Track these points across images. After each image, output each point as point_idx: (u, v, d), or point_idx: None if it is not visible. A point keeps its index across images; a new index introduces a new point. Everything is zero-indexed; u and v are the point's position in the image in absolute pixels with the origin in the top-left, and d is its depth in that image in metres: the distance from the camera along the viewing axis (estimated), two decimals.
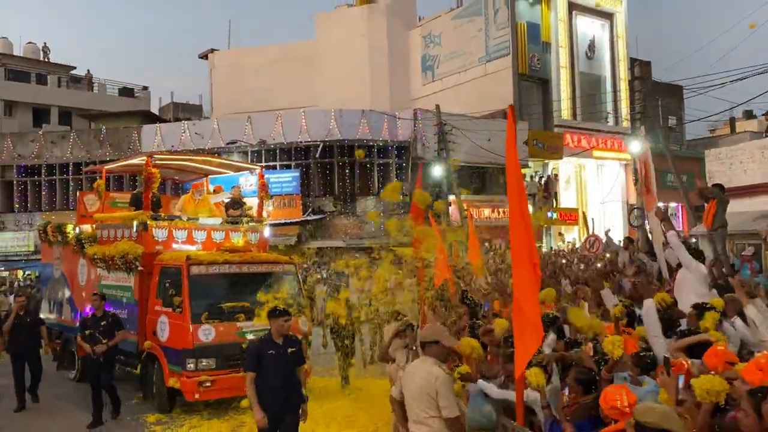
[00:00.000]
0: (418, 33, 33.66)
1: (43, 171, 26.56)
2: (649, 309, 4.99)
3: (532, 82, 29.15)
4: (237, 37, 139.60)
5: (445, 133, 23.09)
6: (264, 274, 9.70)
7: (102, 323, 8.97)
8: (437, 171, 23.14)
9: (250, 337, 8.75)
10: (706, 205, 11.67)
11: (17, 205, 26.60)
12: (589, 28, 31.09)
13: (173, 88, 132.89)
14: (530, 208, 21.81)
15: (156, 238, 9.87)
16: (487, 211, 25.77)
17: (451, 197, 23.34)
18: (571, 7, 30.11)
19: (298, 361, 6.03)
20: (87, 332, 8.93)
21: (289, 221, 22.69)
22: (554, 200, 28.29)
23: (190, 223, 10.27)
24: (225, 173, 13.39)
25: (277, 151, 24.07)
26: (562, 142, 28.25)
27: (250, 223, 10.97)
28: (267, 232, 11.25)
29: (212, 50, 36.21)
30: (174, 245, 9.94)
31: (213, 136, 24.81)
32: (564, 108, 29.31)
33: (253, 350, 5.94)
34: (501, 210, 25.64)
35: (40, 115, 39.41)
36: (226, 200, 11.60)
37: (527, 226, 4.32)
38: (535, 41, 28.78)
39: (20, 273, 25.58)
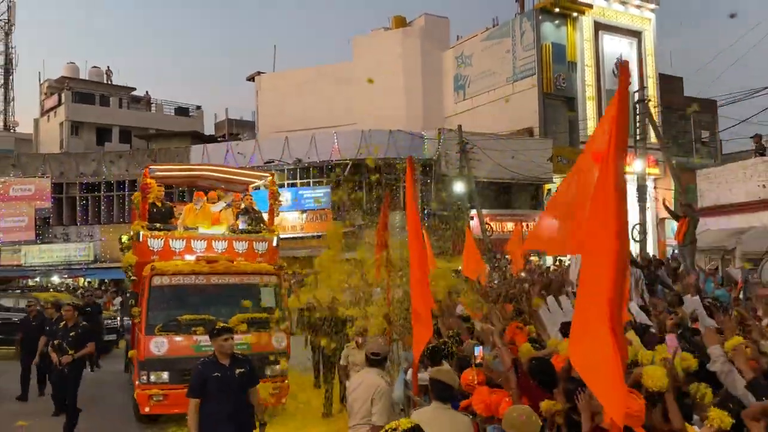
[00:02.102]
0: (451, 54, 35.17)
1: (102, 187, 29.22)
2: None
3: (558, 100, 30.25)
4: (282, 60, 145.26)
5: (467, 152, 24.48)
6: (238, 286, 9.34)
7: (71, 334, 8.72)
8: (459, 187, 24.54)
9: (207, 351, 8.44)
10: (676, 222, 12.83)
11: (79, 219, 29.32)
12: (616, 46, 31.91)
13: (229, 104, 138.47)
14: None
15: (151, 249, 9.58)
16: (510, 225, 27.00)
17: (473, 212, 24.73)
18: (598, 27, 31.08)
19: (250, 382, 5.52)
20: (56, 342, 8.71)
21: (320, 234, 24.44)
22: None
23: (188, 233, 9.95)
24: (253, 182, 12.14)
25: (311, 168, 25.98)
26: None
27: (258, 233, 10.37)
28: (276, 241, 10.54)
29: (258, 73, 38.57)
30: (173, 256, 9.62)
31: (254, 155, 26.89)
32: (590, 126, 30.24)
33: (197, 374, 5.34)
34: (524, 223, 26.83)
35: (102, 134, 42.58)
36: (223, 208, 11.19)
37: (421, 251, 5.88)
38: (560, 61, 29.92)
39: (81, 280, 28.21)
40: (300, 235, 25.11)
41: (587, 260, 3.31)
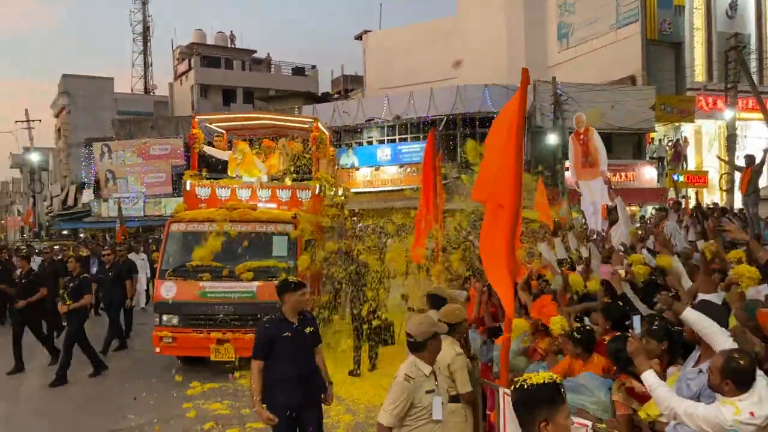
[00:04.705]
0: (554, 2, 34.77)
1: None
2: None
3: (664, 45, 29.41)
4: (388, 18, 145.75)
5: (561, 103, 24.86)
6: (254, 234, 9.31)
7: (70, 285, 9.07)
8: (552, 139, 25.08)
9: (212, 297, 8.85)
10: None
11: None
12: None
13: (344, 61, 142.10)
14: (654, 171, 22.66)
15: (199, 197, 9.97)
16: (608, 175, 27.15)
17: (567, 162, 25.18)
18: None
19: (317, 341, 5.12)
20: (62, 292, 9.11)
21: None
22: (684, 163, 28.67)
23: (233, 181, 10.19)
24: (304, 128, 11.91)
25: (408, 125, 27.47)
26: (694, 105, 28.37)
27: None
28: (319, 189, 10.38)
29: (365, 32, 40.13)
30: (219, 204, 9.89)
31: (357, 114, 28.76)
32: (698, 72, 29.26)
33: (263, 333, 4.90)
34: (623, 173, 26.96)
35: (228, 95, 46.22)
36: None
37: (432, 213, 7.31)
38: (666, 5, 28.95)
39: None
40: (399, 187, 26.81)
41: (489, 208, 4.67)
